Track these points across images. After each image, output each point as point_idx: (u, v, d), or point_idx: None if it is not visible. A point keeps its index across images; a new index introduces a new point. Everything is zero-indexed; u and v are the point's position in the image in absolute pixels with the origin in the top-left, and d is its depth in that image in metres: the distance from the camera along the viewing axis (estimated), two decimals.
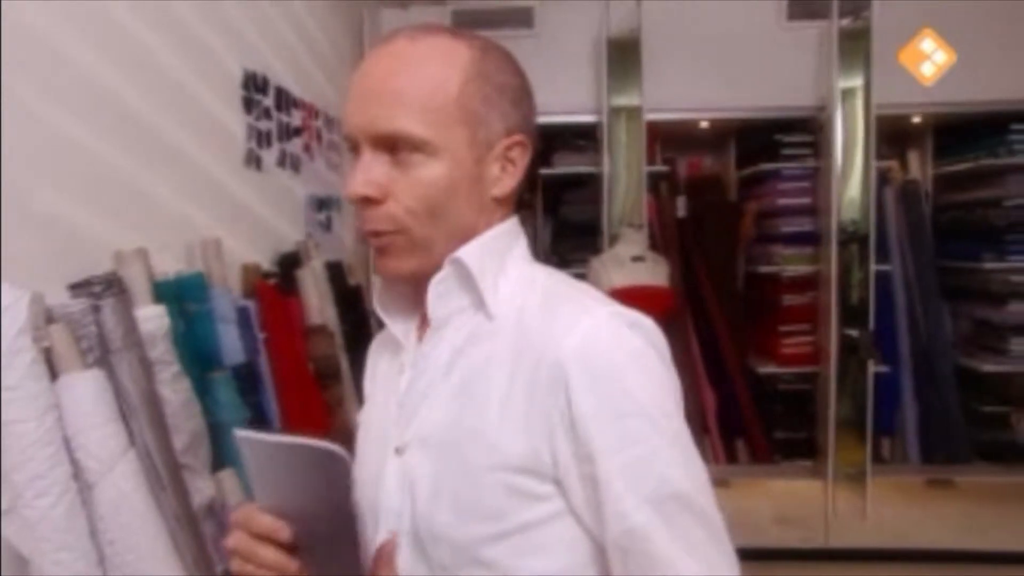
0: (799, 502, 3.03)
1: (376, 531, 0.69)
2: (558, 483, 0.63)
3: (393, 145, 0.65)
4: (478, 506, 0.64)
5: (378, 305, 0.75)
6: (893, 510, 2.93)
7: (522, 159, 0.72)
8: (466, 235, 0.69)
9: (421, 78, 0.66)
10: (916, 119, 3.18)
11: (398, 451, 0.69)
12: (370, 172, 0.66)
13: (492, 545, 0.63)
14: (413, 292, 0.73)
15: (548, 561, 0.64)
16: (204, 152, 1.50)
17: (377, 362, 0.82)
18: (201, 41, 1.49)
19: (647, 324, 0.66)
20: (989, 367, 3.12)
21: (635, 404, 0.62)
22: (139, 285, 1.18)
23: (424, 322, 0.73)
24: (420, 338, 0.73)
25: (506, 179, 0.71)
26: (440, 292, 0.69)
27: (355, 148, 0.68)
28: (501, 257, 0.71)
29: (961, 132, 3.19)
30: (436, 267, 0.69)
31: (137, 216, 1.26)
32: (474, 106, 0.67)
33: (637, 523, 0.60)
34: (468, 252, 0.68)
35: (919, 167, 3.41)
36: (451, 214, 0.67)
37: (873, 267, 2.86)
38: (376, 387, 0.80)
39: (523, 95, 0.73)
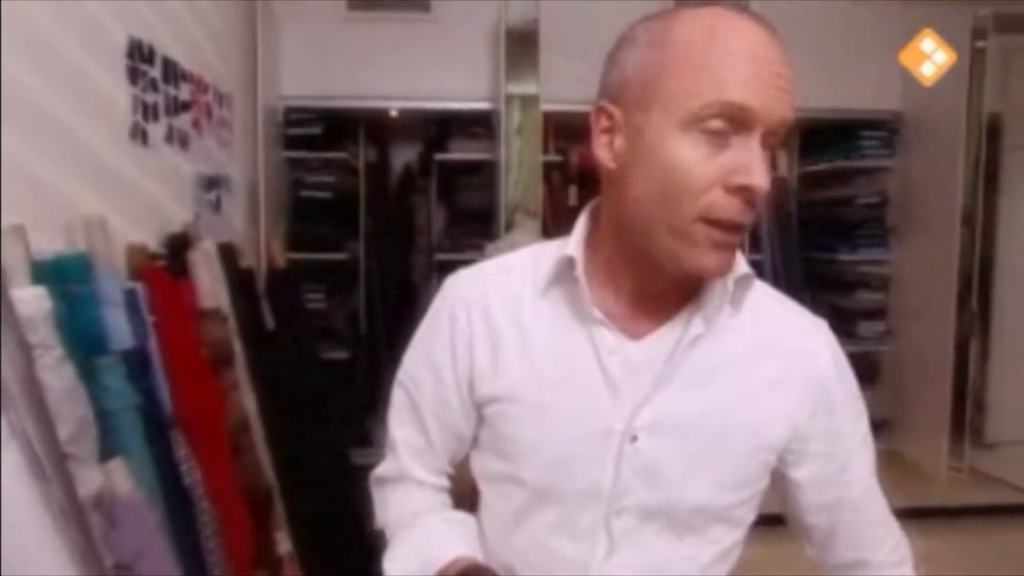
0: None
1: (582, 509, 0.71)
2: (787, 454, 0.75)
3: (772, 135, 0.63)
4: (737, 479, 0.72)
5: (581, 278, 0.70)
6: None
7: None
8: None
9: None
10: None
11: (633, 438, 0.69)
12: (765, 164, 0.62)
13: (741, 506, 0.73)
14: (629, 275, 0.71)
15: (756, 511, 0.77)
16: (86, 124, 1.40)
17: (502, 333, 0.74)
18: (82, 4, 1.39)
19: None
20: (842, 348, 3.46)
21: (855, 392, 0.78)
22: (16, 265, 1.10)
23: (630, 309, 0.71)
24: (615, 320, 0.71)
25: None
26: (722, 300, 0.70)
27: (744, 125, 0.61)
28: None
29: (822, 136, 3.50)
30: None
31: (13, 191, 1.17)
32: None
33: (872, 484, 0.80)
34: (745, 265, 0.72)
35: (787, 166, 3.71)
36: None
37: (746, 256, 3.09)
38: (533, 363, 0.73)
39: None
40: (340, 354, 2.97)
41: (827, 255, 3.50)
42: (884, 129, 3.37)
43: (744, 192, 0.61)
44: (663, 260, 0.66)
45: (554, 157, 3.22)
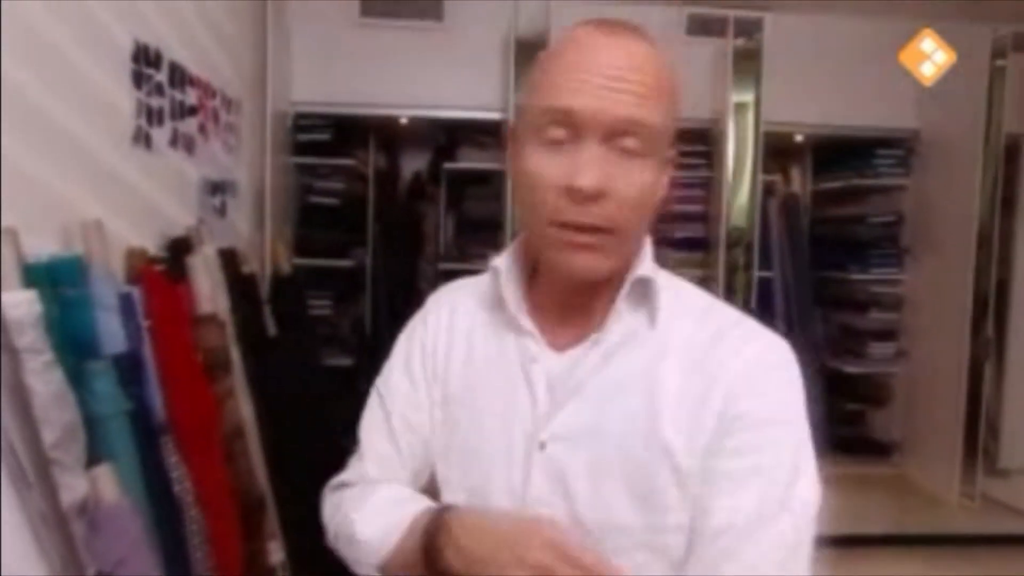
0: None
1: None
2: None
3: (622, 136, 0.65)
4: (647, 497, 0.67)
5: (505, 287, 0.74)
6: None
7: (672, 168, 0.74)
8: (640, 241, 0.72)
9: (655, 78, 0.66)
10: (798, 138, 3.43)
11: (542, 446, 0.70)
12: (600, 165, 0.64)
13: (664, 533, 0.67)
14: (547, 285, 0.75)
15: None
16: (87, 127, 1.40)
17: (456, 338, 0.80)
18: (86, 6, 1.39)
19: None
20: (852, 368, 3.40)
21: (770, 417, 0.68)
22: (7, 268, 1.10)
23: (558, 319, 0.74)
24: (545, 331, 0.74)
25: (663, 187, 0.72)
26: (622, 309, 0.71)
27: (575, 131, 0.65)
28: (652, 266, 0.73)
29: (836, 153, 3.46)
30: (616, 271, 0.70)
31: (10, 194, 1.16)
32: (672, 115, 0.69)
33: (750, 529, 0.64)
34: (648, 269, 0.71)
35: (800, 182, 3.67)
36: (645, 219, 0.70)
37: (756, 273, 3.06)
38: (474, 368, 0.78)
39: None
40: (344, 361, 2.96)
41: (839, 273, 3.45)
42: (900, 147, 3.33)
43: (574, 193, 0.64)
44: (548, 266, 0.72)
45: None
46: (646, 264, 0.72)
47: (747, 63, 2.98)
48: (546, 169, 0.66)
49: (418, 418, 0.80)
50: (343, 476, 0.85)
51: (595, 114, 0.64)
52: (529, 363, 0.73)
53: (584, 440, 0.70)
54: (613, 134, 0.64)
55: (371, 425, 0.83)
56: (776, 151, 3.38)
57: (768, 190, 3.32)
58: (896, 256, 3.39)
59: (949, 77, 2.97)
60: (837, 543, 3.00)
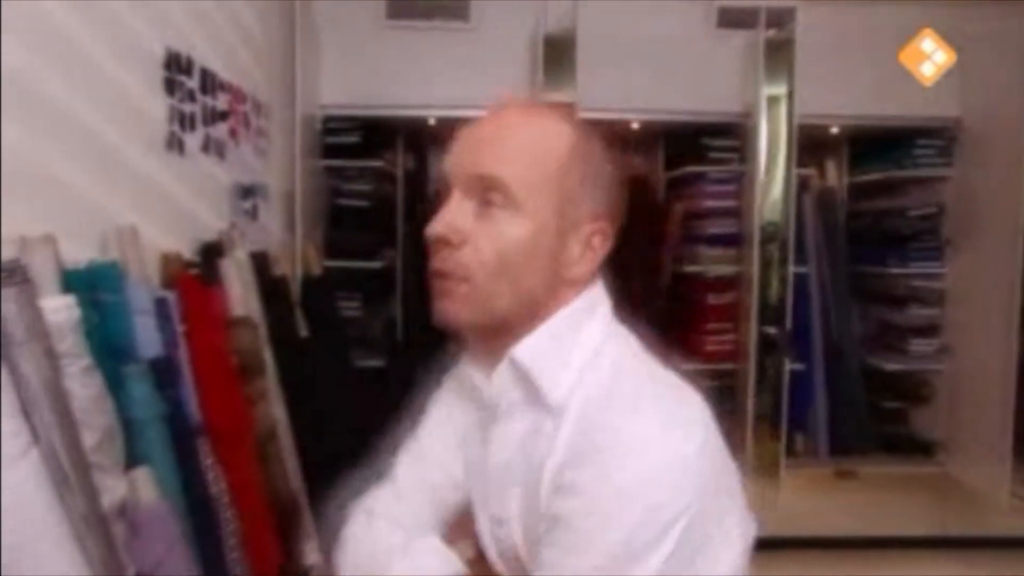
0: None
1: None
2: None
3: (485, 192, 0.68)
4: None
5: (466, 354, 0.78)
6: (803, 501, 3.08)
7: (602, 247, 0.73)
8: (531, 304, 0.70)
9: (528, 143, 0.69)
10: (834, 130, 3.35)
11: (495, 521, 0.75)
12: (455, 214, 0.69)
13: None
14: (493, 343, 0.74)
15: None
16: (122, 134, 1.42)
17: (455, 402, 0.84)
18: (119, 17, 1.41)
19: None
20: (892, 366, 3.32)
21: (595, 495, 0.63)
22: (46, 273, 1.11)
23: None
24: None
25: (584, 263, 0.72)
26: (501, 385, 0.72)
27: (444, 192, 0.71)
28: (568, 342, 0.71)
29: (873, 145, 3.37)
30: (495, 325, 0.70)
31: (47, 201, 1.18)
32: (570, 183, 0.70)
33: None
34: (526, 348, 0.70)
35: (835, 176, 3.59)
36: (521, 277, 0.69)
37: (792, 269, 3.00)
38: (458, 431, 0.82)
39: (615, 185, 0.74)
40: (376, 362, 2.98)
41: (877, 268, 3.37)
42: (941, 137, 3.22)
43: (432, 241, 0.70)
44: None
45: None
46: (527, 343, 0.70)
47: (779, 54, 2.92)
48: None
49: (444, 453, 0.83)
50: (372, 502, 0.86)
51: (452, 168, 0.71)
52: (481, 439, 0.77)
53: (515, 526, 0.73)
54: (476, 188, 0.69)
55: (402, 453, 0.88)
56: (811, 144, 3.30)
57: (803, 184, 3.25)
58: (937, 249, 3.29)
59: (994, 63, 2.88)
60: (877, 544, 2.95)
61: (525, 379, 0.70)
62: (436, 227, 0.69)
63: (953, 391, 3.35)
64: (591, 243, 0.72)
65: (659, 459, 0.61)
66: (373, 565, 0.78)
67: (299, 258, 2.51)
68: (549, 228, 0.69)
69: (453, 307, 0.70)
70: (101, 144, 1.35)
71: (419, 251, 3.27)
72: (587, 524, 0.61)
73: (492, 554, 0.77)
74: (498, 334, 0.71)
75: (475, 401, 0.78)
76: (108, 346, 1.28)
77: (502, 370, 0.71)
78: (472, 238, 0.68)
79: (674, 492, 0.60)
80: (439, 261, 0.69)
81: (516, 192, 0.67)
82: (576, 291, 0.73)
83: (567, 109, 0.77)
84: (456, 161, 0.71)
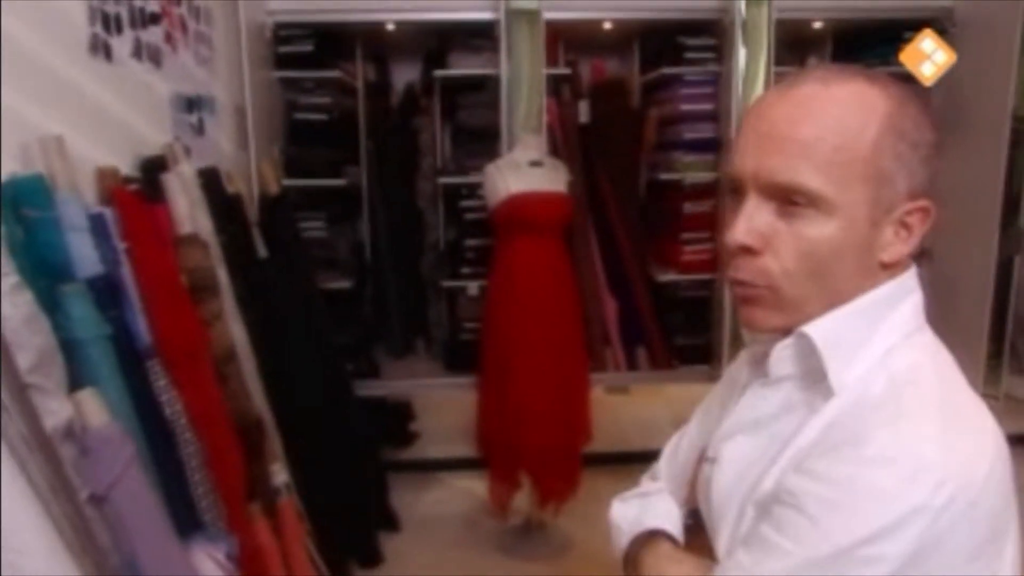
0: (695, 405, 3.16)
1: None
2: None
3: (786, 196, 0.63)
4: None
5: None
6: None
7: (920, 226, 0.66)
8: (845, 299, 0.64)
9: (832, 129, 0.61)
10: (817, 24, 3.20)
11: (708, 460, 0.77)
12: (753, 220, 0.64)
13: None
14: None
15: None
16: (37, 36, 1.29)
17: (721, 392, 0.89)
18: None
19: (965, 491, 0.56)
20: None
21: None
22: None
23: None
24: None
25: (898, 245, 0.65)
26: (782, 357, 0.68)
27: (737, 190, 0.66)
28: (864, 332, 0.65)
29: (859, 40, 3.23)
30: (804, 322, 0.66)
31: None
32: (884, 164, 0.62)
33: None
34: (820, 329, 0.65)
35: None
36: (831, 277, 0.64)
37: None
38: (734, 388, 0.82)
39: (935, 154, 0.65)
40: (344, 284, 2.90)
41: None
42: (931, 29, 3.08)
43: (731, 249, 0.66)
44: None
45: (563, 70, 3.03)
46: (820, 322, 0.66)
47: None
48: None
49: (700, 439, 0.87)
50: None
51: (744, 170, 0.65)
52: (740, 390, 0.78)
53: (723, 472, 0.74)
54: (776, 193, 0.63)
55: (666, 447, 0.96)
56: (792, 40, 3.16)
57: None
58: None
59: None
60: None
61: (809, 357, 0.66)
62: (736, 235, 0.64)
63: (932, 294, 3.34)
64: (907, 223, 0.65)
65: (921, 480, 0.56)
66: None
67: (255, 176, 2.39)
68: (862, 219, 0.63)
69: (760, 315, 0.67)
70: (14, 47, 1.23)
71: (388, 166, 3.16)
72: (819, 512, 0.58)
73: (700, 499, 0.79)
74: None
75: (752, 366, 0.77)
76: (40, 264, 1.21)
77: (787, 343, 0.68)
78: (774, 243, 0.64)
79: (917, 513, 0.55)
80: (738, 270, 0.66)
81: (822, 193, 0.61)
82: (889, 274, 0.67)
83: (872, 72, 0.66)
84: (748, 163, 0.64)
